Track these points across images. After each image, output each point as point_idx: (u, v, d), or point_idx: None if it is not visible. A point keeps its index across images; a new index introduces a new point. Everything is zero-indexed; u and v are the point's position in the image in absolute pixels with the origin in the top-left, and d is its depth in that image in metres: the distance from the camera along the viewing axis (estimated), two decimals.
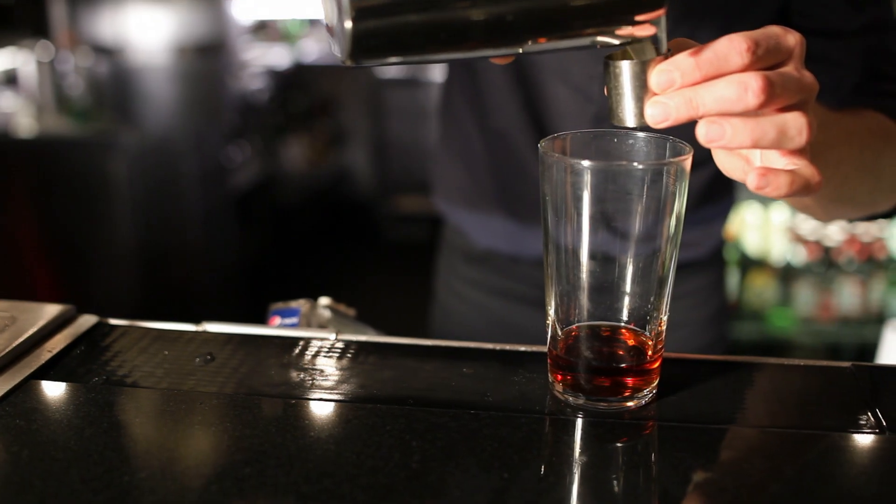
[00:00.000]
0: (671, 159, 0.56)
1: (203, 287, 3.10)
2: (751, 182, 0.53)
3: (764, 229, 2.62)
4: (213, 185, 3.09)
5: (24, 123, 2.89)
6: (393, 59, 0.52)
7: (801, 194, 0.55)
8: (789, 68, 0.54)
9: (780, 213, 2.61)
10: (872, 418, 0.59)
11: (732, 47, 0.51)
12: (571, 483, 0.52)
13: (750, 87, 0.51)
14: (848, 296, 2.55)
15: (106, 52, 2.93)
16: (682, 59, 0.52)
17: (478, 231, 1.18)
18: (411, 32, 0.50)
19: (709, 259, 1.20)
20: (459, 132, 1.18)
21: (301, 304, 0.76)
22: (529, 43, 0.53)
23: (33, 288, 2.86)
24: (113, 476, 0.51)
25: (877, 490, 0.52)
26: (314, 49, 4.42)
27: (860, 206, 0.87)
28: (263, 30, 4.30)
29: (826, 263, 2.59)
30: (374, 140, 4.32)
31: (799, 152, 0.56)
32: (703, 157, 1.10)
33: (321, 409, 0.59)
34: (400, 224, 4.26)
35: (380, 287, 3.77)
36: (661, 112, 0.53)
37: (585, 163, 0.54)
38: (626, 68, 0.54)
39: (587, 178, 0.54)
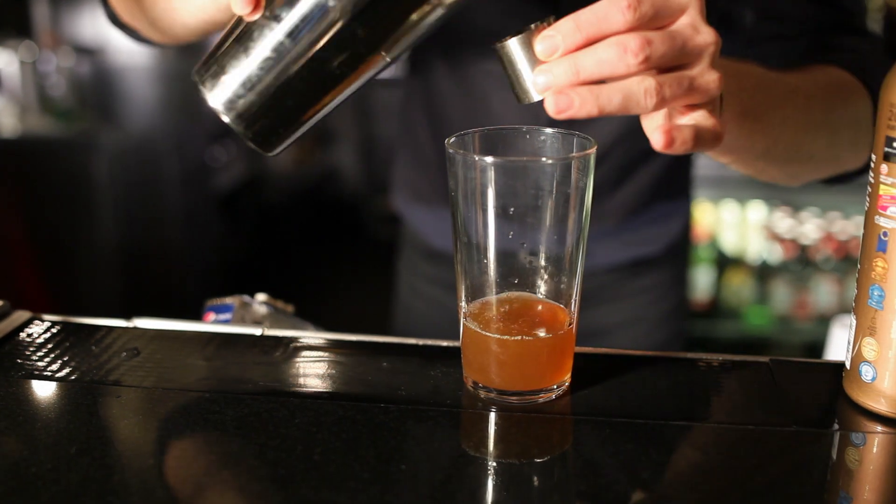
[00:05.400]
0: (575, 154, 0.57)
1: (186, 287, 3.10)
2: (656, 142, 0.52)
3: (740, 228, 2.62)
4: (195, 184, 3.10)
5: (7, 123, 2.90)
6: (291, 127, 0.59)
7: (707, 147, 0.54)
8: (681, 26, 0.52)
9: (757, 212, 2.62)
10: (784, 412, 0.59)
11: (613, 4, 0.50)
12: (470, 475, 0.53)
13: (629, 47, 0.50)
14: (824, 294, 2.55)
15: (88, 52, 2.94)
16: (563, 23, 0.51)
17: (433, 230, 1.19)
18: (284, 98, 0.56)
19: (664, 256, 1.20)
20: (413, 135, 1.18)
21: (234, 300, 0.77)
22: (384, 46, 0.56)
23: (15, 286, 2.86)
24: (19, 468, 0.52)
25: (785, 483, 0.52)
26: None
27: (823, 163, 0.82)
28: None
29: (802, 261, 2.59)
30: (360, 139, 4.33)
31: (702, 106, 0.54)
32: (651, 153, 1.11)
33: (233, 402, 0.59)
34: (387, 223, 4.27)
35: (367, 286, 3.77)
36: (545, 80, 0.52)
37: (489, 159, 0.55)
38: (512, 45, 0.54)
39: (491, 174, 0.55)
